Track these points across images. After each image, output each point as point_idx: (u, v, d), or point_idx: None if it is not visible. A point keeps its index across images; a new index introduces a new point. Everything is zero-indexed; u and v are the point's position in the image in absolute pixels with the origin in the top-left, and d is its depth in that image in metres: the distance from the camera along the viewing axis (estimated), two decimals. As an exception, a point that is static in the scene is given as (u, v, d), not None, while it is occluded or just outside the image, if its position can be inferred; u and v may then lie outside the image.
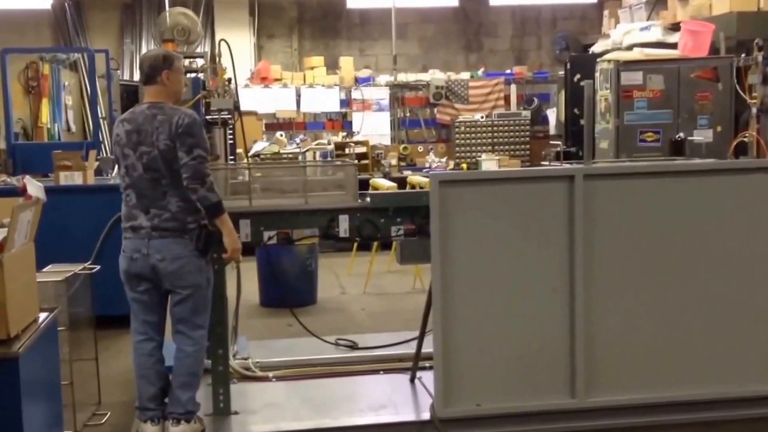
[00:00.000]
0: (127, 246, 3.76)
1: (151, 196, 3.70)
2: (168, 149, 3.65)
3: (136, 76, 10.68)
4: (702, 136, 7.37)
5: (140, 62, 3.92)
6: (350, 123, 11.42)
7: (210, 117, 4.76)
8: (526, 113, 11.34)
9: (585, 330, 3.74)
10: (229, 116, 4.90)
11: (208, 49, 10.33)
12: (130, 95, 4.51)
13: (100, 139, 7.65)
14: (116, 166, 4.05)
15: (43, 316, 3.31)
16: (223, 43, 5.01)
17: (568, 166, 5.29)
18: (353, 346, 5.06)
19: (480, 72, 11.84)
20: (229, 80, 4.96)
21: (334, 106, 11.38)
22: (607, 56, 8.15)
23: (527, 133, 11.21)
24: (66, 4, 10.86)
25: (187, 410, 3.81)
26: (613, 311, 3.79)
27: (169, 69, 3.77)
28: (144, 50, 11.04)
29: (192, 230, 3.70)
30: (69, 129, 9.54)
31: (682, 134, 7.10)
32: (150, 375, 3.82)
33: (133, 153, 3.72)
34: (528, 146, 11.13)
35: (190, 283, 3.73)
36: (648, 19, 9.38)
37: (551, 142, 10.08)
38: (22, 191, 3.38)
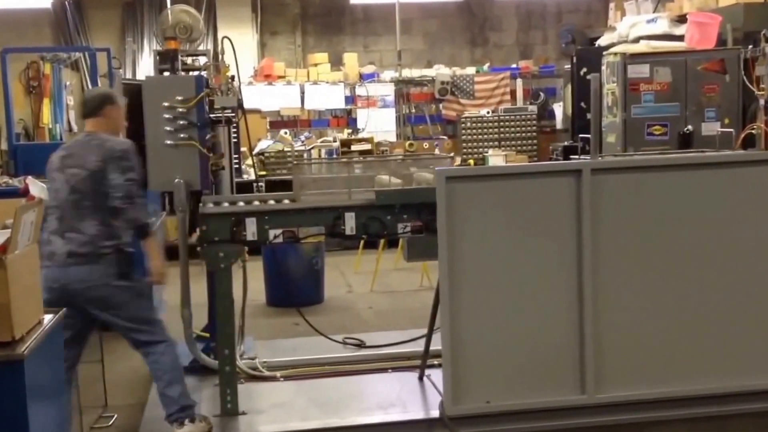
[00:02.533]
0: (45, 274, 3.62)
1: (71, 218, 3.72)
2: (98, 169, 3.70)
3: (139, 75, 10.66)
4: (712, 128, 7.31)
5: (83, 98, 4.07)
6: (355, 120, 11.37)
7: (214, 115, 4.72)
8: (533, 108, 11.33)
9: (594, 326, 3.73)
10: (233, 114, 4.86)
11: (210, 46, 10.31)
12: (133, 94, 4.49)
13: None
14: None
15: (48, 318, 3.30)
16: (225, 40, 5.00)
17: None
18: (361, 345, 5.07)
19: (485, 67, 11.79)
20: (233, 78, 4.93)
21: (338, 103, 11.31)
22: (614, 49, 8.12)
23: (534, 128, 11.16)
24: (66, 2, 10.81)
25: (182, 405, 3.81)
26: (622, 306, 3.78)
27: (112, 105, 3.93)
28: (146, 49, 11.09)
29: (107, 255, 3.71)
30: (71, 129, 9.52)
31: (690, 127, 7.05)
32: None
33: (61, 175, 3.78)
34: (535, 141, 11.08)
35: (118, 303, 3.75)
36: (654, 11, 9.33)
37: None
38: (24, 192, 3.38)
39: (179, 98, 4.48)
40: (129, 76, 10.75)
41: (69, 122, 9.47)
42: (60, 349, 3.47)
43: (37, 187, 3.38)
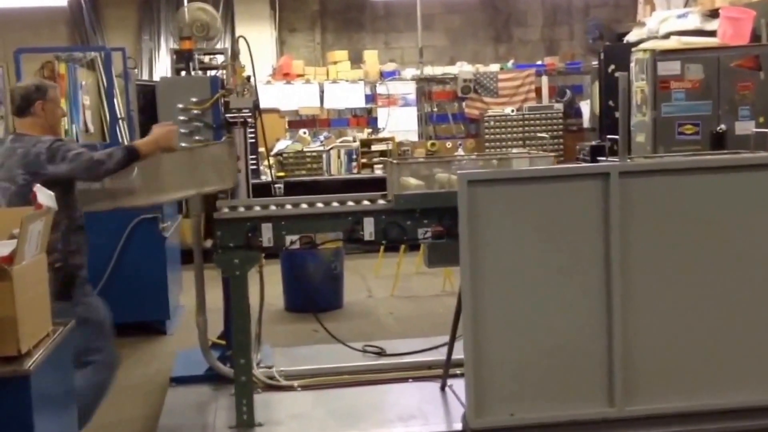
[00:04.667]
0: None
1: None
2: (27, 183, 3.46)
3: (155, 75, 10.62)
4: (746, 128, 7.11)
5: (10, 92, 3.78)
6: (375, 119, 11.19)
7: (230, 116, 4.66)
8: (559, 106, 11.12)
9: (623, 335, 3.62)
10: (250, 115, 4.80)
11: (228, 44, 10.24)
12: (147, 95, 4.43)
13: (119, 140, 7.56)
14: None
15: (56, 330, 3.24)
16: (241, 39, 4.93)
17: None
18: (381, 353, 5.03)
19: (510, 64, 11.60)
20: (248, 78, 4.86)
21: (358, 102, 11.13)
22: (643, 45, 7.93)
23: (560, 126, 10.98)
24: (82, 1, 10.77)
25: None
26: (652, 315, 3.66)
27: (43, 100, 3.65)
28: (163, 47, 11.00)
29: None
30: (87, 130, 9.48)
31: (723, 126, 6.87)
32: None
33: None
34: (561, 141, 10.91)
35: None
36: (685, 6, 9.13)
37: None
38: (32, 200, 3.30)
39: (194, 99, 4.43)
40: (146, 74, 10.75)
41: (85, 123, 9.43)
42: (69, 361, 3.41)
43: (45, 196, 3.29)
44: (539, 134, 10.68)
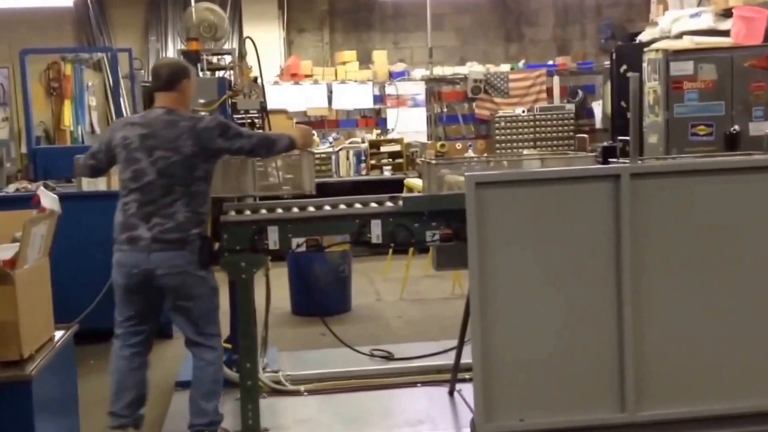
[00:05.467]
0: (123, 260, 3.63)
1: (158, 203, 3.60)
2: (193, 155, 3.63)
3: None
4: (760, 128, 7.02)
5: (156, 68, 3.88)
6: (384, 120, 11.13)
7: (237, 117, 4.63)
8: (570, 106, 11.04)
9: (635, 339, 3.57)
10: (258, 116, 4.76)
11: (236, 45, 10.21)
12: (153, 96, 4.40)
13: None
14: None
15: (59, 334, 3.22)
16: (248, 40, 4.90)
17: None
18: (389, 357, 5.01)
19: (521, 64, 11.52)
20: (255, 79, 4.83)
21: (367, 103, 11.07)
22: (655, 45, 7.83)
23: (572, 127, 10.89)
24: (89, 1, 10.76)
25: (212, 420, 3.74)
26: (664, 319, 3.60)
27: (188, 79, 3.80)
28: (170, 48, 10.97)
29: (193, 242, 3.63)
30: (93, 131, 9.46)
31: (737, 127, 6.77)
32: (127, 381, 3.75)
33: (146, 157, 3.64)
34: (573, 142, 10.83)
35: (195, 294, 3.67)
36: (698, 5, 9.02)
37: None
38: (35, 204, 3.28)
39: (201, 101, 4.40)
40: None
41: (91, 124, 9.41)
42: (71, 364, 3.39)
43: (48, 198, 3.27)
44: (578, 135, 10.56)
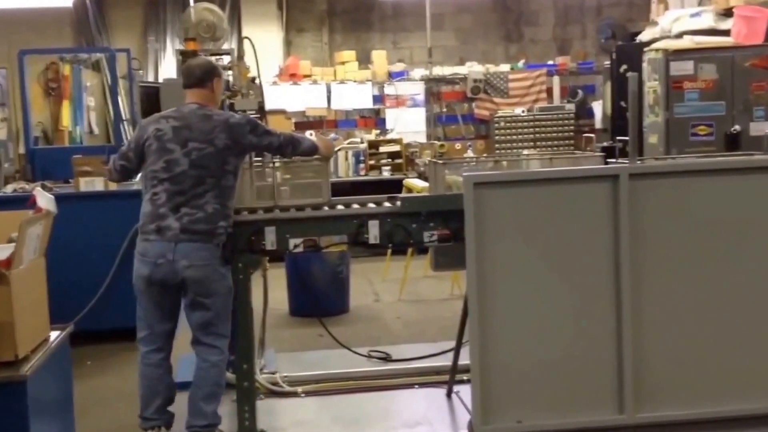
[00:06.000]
0: (149, 250, 3.64)
1: (189, 193, 3.64)
2: (226, 148, 3.71)
3: (161, 76, 10.56)
4: (760, 129, 7.01)
5: (189, 66, 3.99)
6: (384, 120, 11.12)
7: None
8: (570, 106, 11.04)
9: (633, 340, 3.57)
10: (257, 116, 4.74)
11: (234, 45, 10.18)
12: (151, 97, 4.39)
13: (123, 141, 7.52)
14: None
15: (54, 334, 3.21)
16: (246, 41, 4.89)
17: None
18: (387, 359, 5.00)
19: (520, 63, 11.52)
20: (254, 79, 4.82)
21: (366, 103, 11.06)
22: (656, 45, 7.83)
23: (572, 127, 10.88)
24: (87, 1, 10.76)
25: (209, 423, 3.73)
26: (663, 320, 3.60)
27: (219, 78, 3.95)
28: (169, 48, 10.98)
29: (220, 235, 3.66)
30: (91, 132, 9.44)
31: (737, 127, 6.76)
32: (158, 386, 3.76)
33: (179, 148, 3.70)
34: (572, 142, 10.82)
35: (215, 290, 3.68)
36: (699, 5, 9.01)
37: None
38: (31, 204, 3.27)
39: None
40: (151, 76, 10.71)
41: (90, 125, 9.39)
42: (66, 365, 3.38)
43: (44, 199, 3.26)
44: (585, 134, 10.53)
